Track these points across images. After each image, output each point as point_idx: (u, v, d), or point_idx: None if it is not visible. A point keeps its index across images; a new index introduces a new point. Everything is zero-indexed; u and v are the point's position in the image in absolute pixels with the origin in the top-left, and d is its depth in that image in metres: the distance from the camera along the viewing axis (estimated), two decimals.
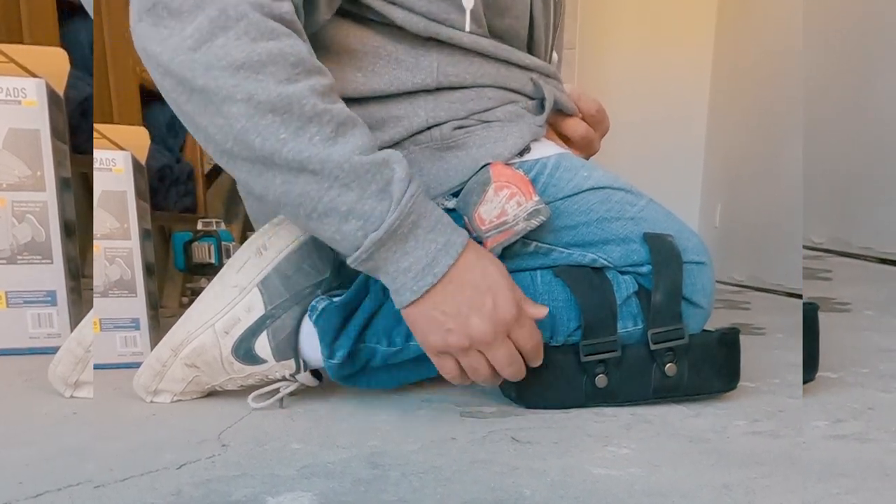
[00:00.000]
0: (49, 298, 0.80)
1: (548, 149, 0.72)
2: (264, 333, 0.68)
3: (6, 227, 0.76)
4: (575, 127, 0.79)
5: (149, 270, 0.93)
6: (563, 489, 0.49)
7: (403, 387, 0.77)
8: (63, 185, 0.87)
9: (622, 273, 0.70)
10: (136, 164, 0.91)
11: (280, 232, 0.69)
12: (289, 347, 0.68)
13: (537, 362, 0.64)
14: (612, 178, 0.72)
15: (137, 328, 0.90)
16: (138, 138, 1.03)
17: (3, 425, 0.64)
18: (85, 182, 1.42)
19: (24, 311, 0.78)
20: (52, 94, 0.81)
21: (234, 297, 0.68)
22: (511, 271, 0.66)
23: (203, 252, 1.24)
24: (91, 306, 1.03)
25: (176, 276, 1.54)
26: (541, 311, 0.62)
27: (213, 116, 0.55)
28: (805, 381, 0.71)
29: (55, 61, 0.90)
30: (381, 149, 0.59)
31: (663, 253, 0.68)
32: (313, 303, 0.68)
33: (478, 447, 0.58)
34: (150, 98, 1.60)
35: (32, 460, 0.54)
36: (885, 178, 1.60)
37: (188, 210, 1.71)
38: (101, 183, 0.88)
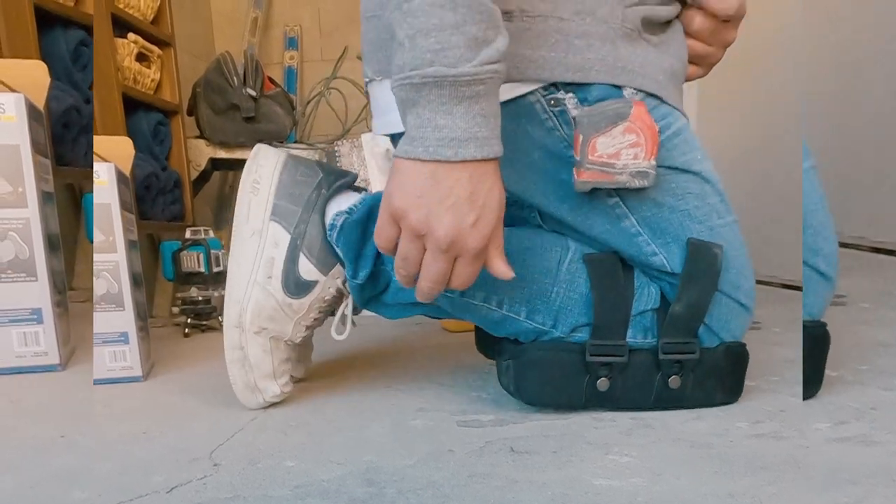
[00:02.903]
0: (35, 316, 0.78)
1: (681, 104, 0.68)
2: (301, 256, 0.69)
3: None
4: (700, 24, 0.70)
5: (136, 282, 0.92)
6: (564, 503, 0.48)
7: (397, 396, 0.76)
8: (45, 199, 0.85)
9: (666, 280, 0.67)
10: (119, 175, 0.89)
11: (261, 161, 0.71)
12: (328, 254, 0.69)
13: (448, 287, 0.58)
14: (717, 176, 0.68)
15: (127, 342, 0.88)
16: (122, 148, 1.01)
17: None
18: (71, 193, 1.40)
19: (9, 329, 0.77)
20: (31, 108, 0.79)
21: (256, 243, 0.70)
22: (565, 222, 0.66)
23: (192, 261, 1.22)
24: (79, 320, 1.02)
25: (166, 285, 1.52)
26: (505, 272, 0.57)
27: None
28: (807, 397, 0.69)
29: (35, 74, 0.88)
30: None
31: (701, 264, 0.65)
32: (330, 221, 0.69)
33: (476, 459, 0.56)
34: (133, 106, 1.58)
35: (18, 487, 0.53)
36: (877, 167, 1.59)
37: (176, 218, 1.69)
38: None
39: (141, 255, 1.25)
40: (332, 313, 0.73)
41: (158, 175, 1.60)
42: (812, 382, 0.69)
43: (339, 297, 0.72)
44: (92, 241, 1.18)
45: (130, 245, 0.92)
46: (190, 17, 2.03)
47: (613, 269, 0.68)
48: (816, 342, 0.67)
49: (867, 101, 1.64)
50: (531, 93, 0.64)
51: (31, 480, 0.54)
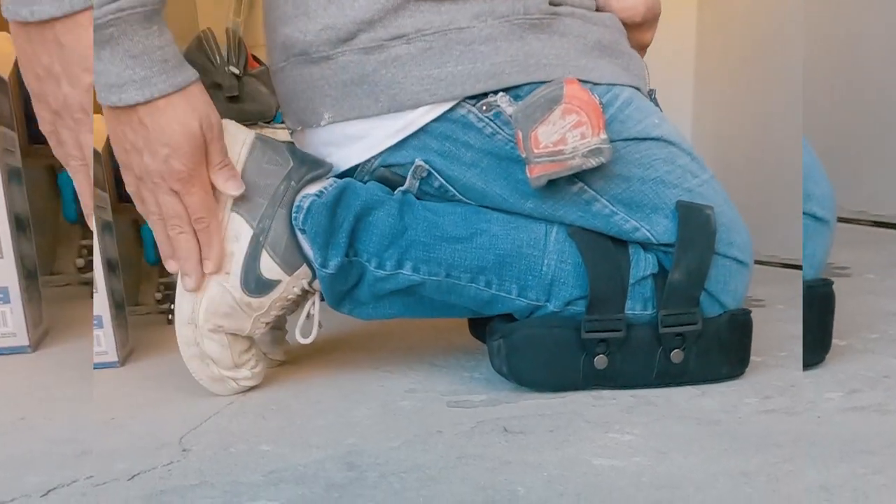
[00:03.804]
0: (1, 296, 0.75)
1: (622, 74, 0.65)
2: (264, 253, 0.63)
3: None
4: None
5: (111, 266, 0.87)
6: (561, 484, 0.44)
7: (386, 377, 0.72)
8: (13, 175, 0.81)
9: (657, 250, 0.64)
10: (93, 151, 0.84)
11: (225, 141, 0.63)
12: (294, 254, 0.63)
13: (207, 245, 0.60)
14: (681, 135, 0.65)
15: (101, 326, 0.83)
16: (95, 126, 0.97)
17: None
18: (51, 175, 1.34)
19: None
20: None
21: None
22: (533, 217, 0.63)
23: None
24: (61, 303, 0.97)
25: (151, 272, 1.47)
26: (229, 187, 0.59)
27: None
28: (816, 363, 0.66)
29: (0, 44, 0.84)
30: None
31: (694, 227, 0.62)
32: (297, 202, 0.63)
33: (466, 440, 0.52)
34: None
35: None
36: (877, 141, 1.57)
37: None
38: None
39: (124, 241, 1.20)
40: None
41: None
42: (819, 347, 0.65)
43: (303, 296, 0.67)
44: (71, 221, 1.14)
45: (104, 226, 0.88)
46: None
47: (603, 238, 0.64)
48: (822, 301, 0.64)
49: (867, 75, 1.60)
50: (458, 105, 0.62)
51: None
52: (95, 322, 0.84)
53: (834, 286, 0.65)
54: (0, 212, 0.75)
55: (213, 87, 1.49)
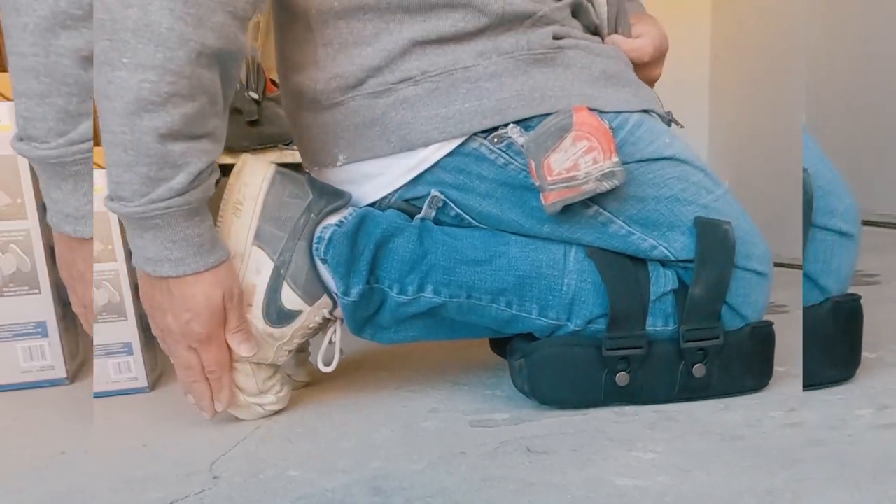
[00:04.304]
0: (39, 330, 0.77)
1: (630, 100, 0.66)
2: (285, 285, 0.64)
3: None
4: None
5: (138, 291, 0.89)
6: None
7: (409, 397, 0.72)
8: (45, 209, 0.83)
9: (676, 266, 0.64)
10: None
11: (245, 179, 0.65)
12: (315, 285, 0.65)
13: (217, 391, 0.64)
14: (693, 153, 0.66)
15: (130, 353, 0.85)
16: None
17: None
18: None
19: (14, 344, 0.76)
20: None
21: (237, 269, 0.65)
22: (550, 239, 0.64)
23: None
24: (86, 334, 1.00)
25: None
26: (241, 350, 0.62)
27: None
28: (845, 378, 0.65)
29: None
30: (453, 37, 0.60)
31: (713, 242, 0.62)
32: (318, 233, 0.64)
33: (489, 462, 0.53)
34: None
35: None
36: None
37: None
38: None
39: None
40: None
41: None
42: (849, 362, 0.64)
43: (324, 324, 0.68)
44: None
45: (131, 254, 0.90)
46: None
47: (621, 256, 0.65)
48: (849, 317, 0.63)
49: (890, 77, 1.58)
50: (470, 139, 0.63)
51: (28, 501, 0.52)
52: (125, 349, 0.86)
53: (861, 300, 0.64)
54: (37, 248, 0.77)
55: (233, 112, 1.52)
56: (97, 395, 0.84)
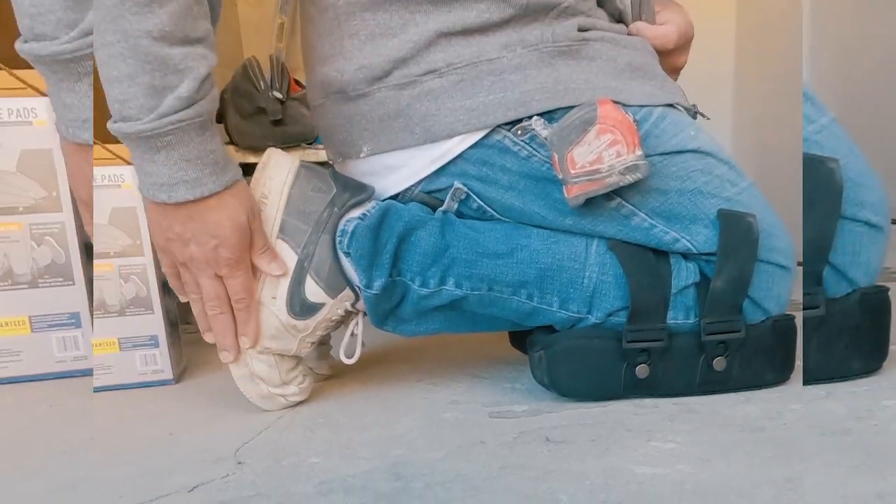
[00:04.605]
0: (73, 321, 0.79)
1: (656, 94, 0.65)
2: (308, 277, 0.65)
3: (26, 251, 0.75)
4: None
5: (166, 287, 0.91)
6: (604, 493, 0.45)
7: (430, 389, 0.73)
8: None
9: (699, 259, 0.64)
10: None
11: (270, 172, 0.66)
12: (338, 277, 0.65)
13: (244, 323, 0.63)
14: (718, 146, 0.65)
15: (157, 345, 0.87)
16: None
17: (19, 456, 0.61)
18: None
19: (49, 334, 0.78)
20: None
21: None
22: (572, 232, 0.64)
23: None
24: (189, 347, 1.05)
25: None
26: (272, 268, 0.62)
27: None
28: (873, 370, 0.64)
29: None
30: (478, 28, 0.60)
31: (736, 235, 0.62)
32: (342, 226, 0.65)
33: (508, 451, 0.53)
34: None
35: (41, 492, 0.52)
36: None
37: None
38: (111, 200, 0.86)
39: None
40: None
41: None
42: (875, 354, 0.64)
43: (346, 316, 0.69)
44: None
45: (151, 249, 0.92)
46: (218, 27, 2.05)
47: (643, 249, 0.64)
48: (877, 309, 0.62)
49: None
50: (494, 131, 0.63)
51: (56, 485, 0.53)
52: (151, 342, 0.88)
53: (889, 292, 0.64)
54: (72, 241, 0.82)
55: (258, 112, 1.55)
56: (123, 387, 0.86)
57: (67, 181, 0.79)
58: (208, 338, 0.65)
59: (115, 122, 0.54)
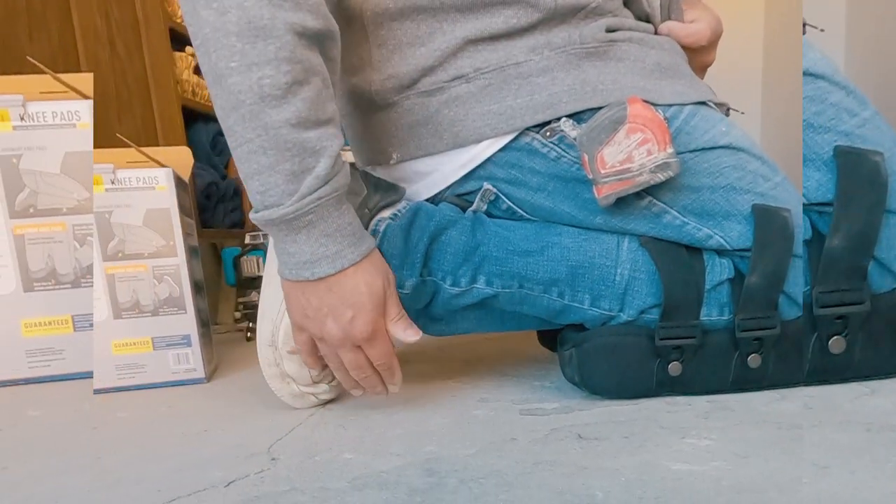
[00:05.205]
0: (185, 341, 0.90)
1: (686, 92, 0.64)
2: None
3: (150, 287, 0.89)
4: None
5: (197, 287, 0.93)
6: (640, 489, 0.44)
7: (458, 388, 0.73)
8: (191, 251, 0.95)
9: (733, 255, 0.63)
10: (178, 180, 0.90)
11: None
12: None
13: (390, 378, 0.64)
14: (750, 141, 0.64)
15: (189, 345, 0.89)
16: (182, 157, 1.04)
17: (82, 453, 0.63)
18: (214, 250, 1.68)
19: (166, 352, 0.89)
20: (178, 180, 0.92)
21: None
22: (602, 230, 0.64)
23: (252, 265, 1.23)
24: (221, 345, 1.11)
25: (229, 292, 1.55)
26: (407, 336, 0.61)
27: (196, 11, 0.52)
28: None
29: (182, 155, 1.04)
30: (505, 34, 0.60)
31: (771, 230, 0.61)
32: (373, 227, 0.65)
33: (541, 447, 0.53)
34: (193, 118, 1.62)
35: (77, 489, 0.53)
36: None
37: (236, 225, 1.72)
38: (146, 202, 0.88)
39: (205, 264, 1.27)
40: None
41: (218, 184, 1.63)
42: None
43: None
44: (230, 284, 1.35)
45: (191, 251, 0.93)
46: None
47: (676, 246, 0.64)
48: None
49: None
50: (522, 133, 0.63)
51: (92, 481, 0.54)
52: (184, 341, 0.89)
53: None
54: (185, 279, 0.90)
55: None
56: (156, 385, 0.88)
57: (182, 237, 0.90)
58: (357, 393, 0.66)
59: (258, 211, 0.56)
